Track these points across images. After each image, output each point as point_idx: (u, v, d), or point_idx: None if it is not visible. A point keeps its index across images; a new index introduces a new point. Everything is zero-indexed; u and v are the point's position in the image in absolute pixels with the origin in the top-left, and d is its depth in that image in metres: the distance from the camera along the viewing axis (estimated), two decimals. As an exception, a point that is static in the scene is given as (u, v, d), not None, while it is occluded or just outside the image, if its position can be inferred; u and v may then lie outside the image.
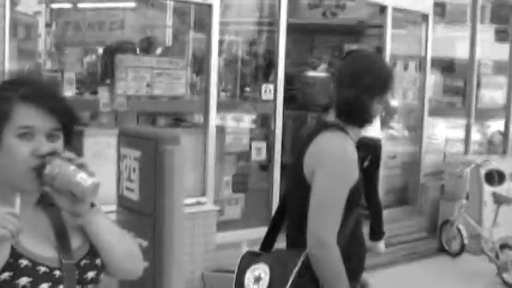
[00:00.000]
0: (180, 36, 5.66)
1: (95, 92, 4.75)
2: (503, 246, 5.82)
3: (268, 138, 5.69)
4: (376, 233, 5.97)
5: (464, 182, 6.46)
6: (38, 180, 1.51)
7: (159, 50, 5.41)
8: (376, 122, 6.04)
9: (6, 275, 1.44)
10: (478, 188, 6.62)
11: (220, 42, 5.45)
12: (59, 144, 1.56)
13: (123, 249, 1.66)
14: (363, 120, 2.46)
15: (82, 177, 1.52)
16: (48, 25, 6.02)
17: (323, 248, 2.26)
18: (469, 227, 6.41)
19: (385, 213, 6.23)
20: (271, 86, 5.67)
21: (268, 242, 2.64)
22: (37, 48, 5.73)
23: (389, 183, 7.00)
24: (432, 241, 6.89)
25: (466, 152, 7.72)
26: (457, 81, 7.72)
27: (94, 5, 6.64)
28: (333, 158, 2.31)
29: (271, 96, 5.67)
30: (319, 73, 9.95)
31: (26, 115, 1.51)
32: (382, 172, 6.59)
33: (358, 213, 2.48)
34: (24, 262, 1.48)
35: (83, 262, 1.58)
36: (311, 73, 10.15)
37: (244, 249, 2.57)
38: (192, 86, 5.45)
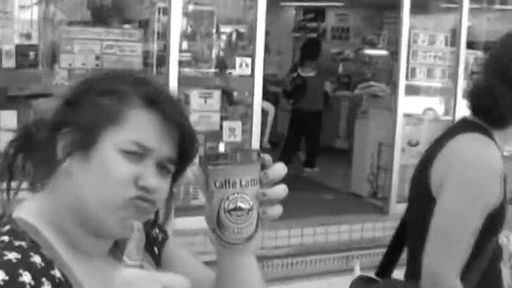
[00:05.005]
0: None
1: (35, 65, 4.56)
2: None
3: (243, 117, 5.21)
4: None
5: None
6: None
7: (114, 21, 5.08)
8: None
9: None
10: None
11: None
12: (167, 182, 1.11)
13: None
14: None
15: None
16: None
17: None
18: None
19: (403, 208, 5.50)
20: (248, 60, 5.17)
21: (385, 267, 2.19)
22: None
23: (409, 173, 6.16)
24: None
25: None
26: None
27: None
28: (465, 170, 1.83)
29: (248, 71, 5.17)
30: (378, 51, 9.15)
31: (143, 125, 1.06)
32: (401, 161, 5.84)
33: (497, 244, 1.94)
34: None
35: None
36: (368, 51, 9.38)
37: (357, 272, 2.20)
38: (160, 58, 5.11)
